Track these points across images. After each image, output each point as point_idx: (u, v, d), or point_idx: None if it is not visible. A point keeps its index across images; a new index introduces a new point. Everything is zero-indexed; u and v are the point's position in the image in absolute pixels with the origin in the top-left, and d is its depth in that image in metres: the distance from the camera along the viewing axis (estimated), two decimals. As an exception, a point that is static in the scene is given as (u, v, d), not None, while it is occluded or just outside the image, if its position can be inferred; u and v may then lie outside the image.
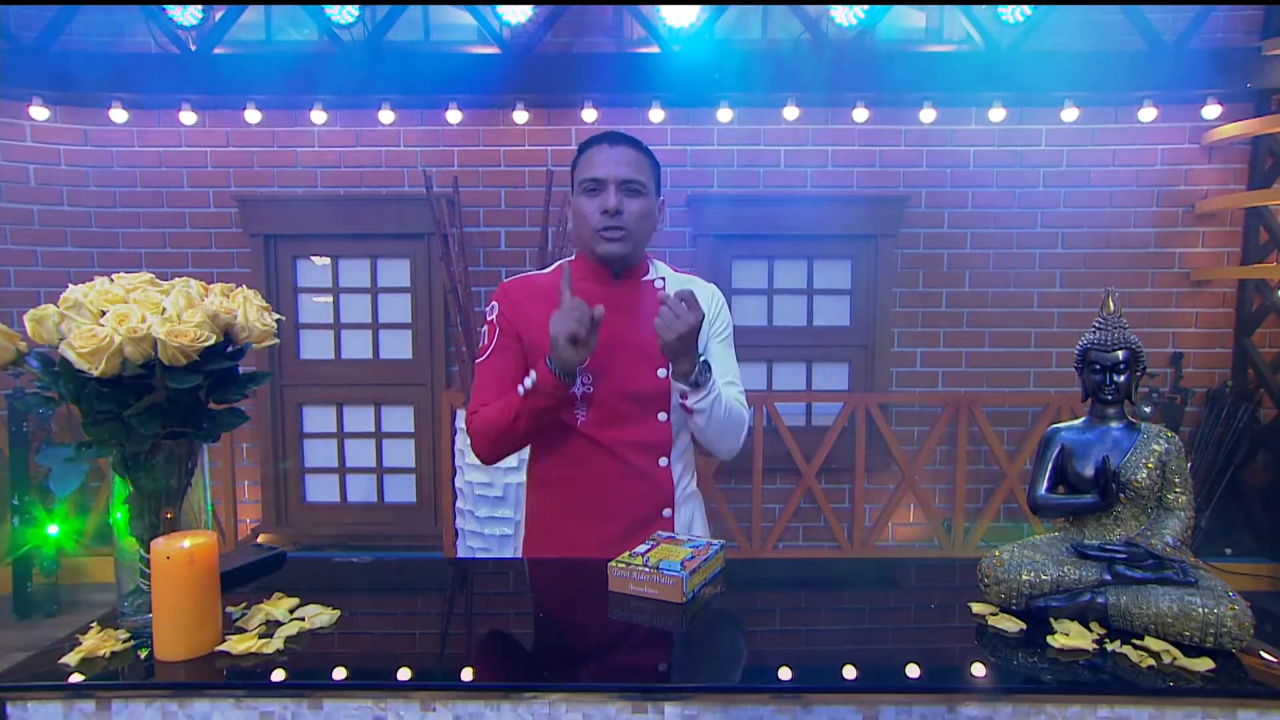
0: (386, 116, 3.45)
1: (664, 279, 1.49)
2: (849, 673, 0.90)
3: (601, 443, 1.39)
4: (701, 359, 1.34)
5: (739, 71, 3.31)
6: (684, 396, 1.34)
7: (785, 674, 0.89)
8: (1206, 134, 3.50)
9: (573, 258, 1.49)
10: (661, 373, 1.40)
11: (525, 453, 1.51)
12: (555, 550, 1.43)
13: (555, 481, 1.45)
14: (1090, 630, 1.00)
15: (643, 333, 1.38)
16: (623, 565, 1.12)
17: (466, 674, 0.89)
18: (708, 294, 1.50)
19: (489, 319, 1.46)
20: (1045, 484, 1.15)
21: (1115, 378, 1.11)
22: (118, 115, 3.41)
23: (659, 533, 1.29)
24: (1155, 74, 3.30)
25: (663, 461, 1.43)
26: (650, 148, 1.45)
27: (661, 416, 1.42)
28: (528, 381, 1.31)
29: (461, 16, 3.54)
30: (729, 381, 1.45)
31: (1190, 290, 3.62)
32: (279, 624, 1.03)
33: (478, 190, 3.62)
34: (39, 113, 3.38)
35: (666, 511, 1.43)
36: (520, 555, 1.51)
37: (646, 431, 1.41)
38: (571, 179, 1.45)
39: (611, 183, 1.36)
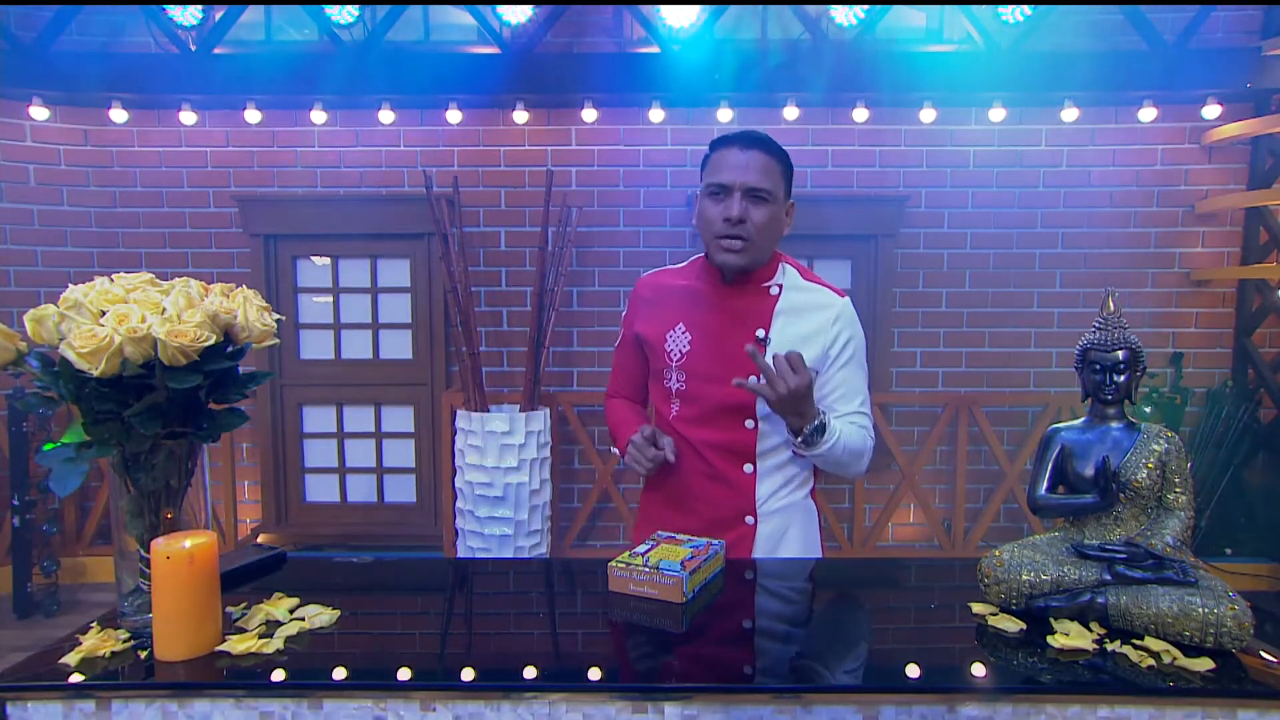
0: (386, 116, 3.45)
1: (782, 285, 1.42)
2: (849, 673, 0.90)
3: (689, 438, 1.41)
4: (817, 421, 1.28)
5: (739, 71, 3.31)
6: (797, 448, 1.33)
7: (785, 674, 0.89)
8: (1206, 134, 3.50)
9: (704, 253, 1.47)
10: (753, 381, 1.31)
11: (532, 453, 1.55)
12: (650, 530, 1.42)
13: (659, 471, 1.46)
14: (1090, 630, 1.00)
15: (743, 339, 1.35)
16: (623, 565, 1.12)
17: (466, 674, 0.89)
18: (829, 313, 1.40)
19: (624, 314, 1.57)
20: (1045, 484, 1.15)
21: (1115, 378, 1.11)
22: (118, 115, 3.41)
23: (659, 533, 1.29)
24: (1155, 74, 3.30)
25: (748, 468, 1.39)
26: (784, 148, 1.39)
27: (749, 424, 1.38)
28: (614, 450, 1.52)
29: (461, 16, 3.54)
30: (852, 413, 1.39)
31: (1190, 290, 3.62)
32: (279, 624, 1.03)
33: (478, 190, 3.62)
34: (39, 113, 3.38)
35: (749, 519, 1.40)
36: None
37: (731, 436, 1.39)
38: (700, 175, 1.42)
39: (737, 189, 1.33)
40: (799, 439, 1.30)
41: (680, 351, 1.41)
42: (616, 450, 1.49)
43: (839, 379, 1.41)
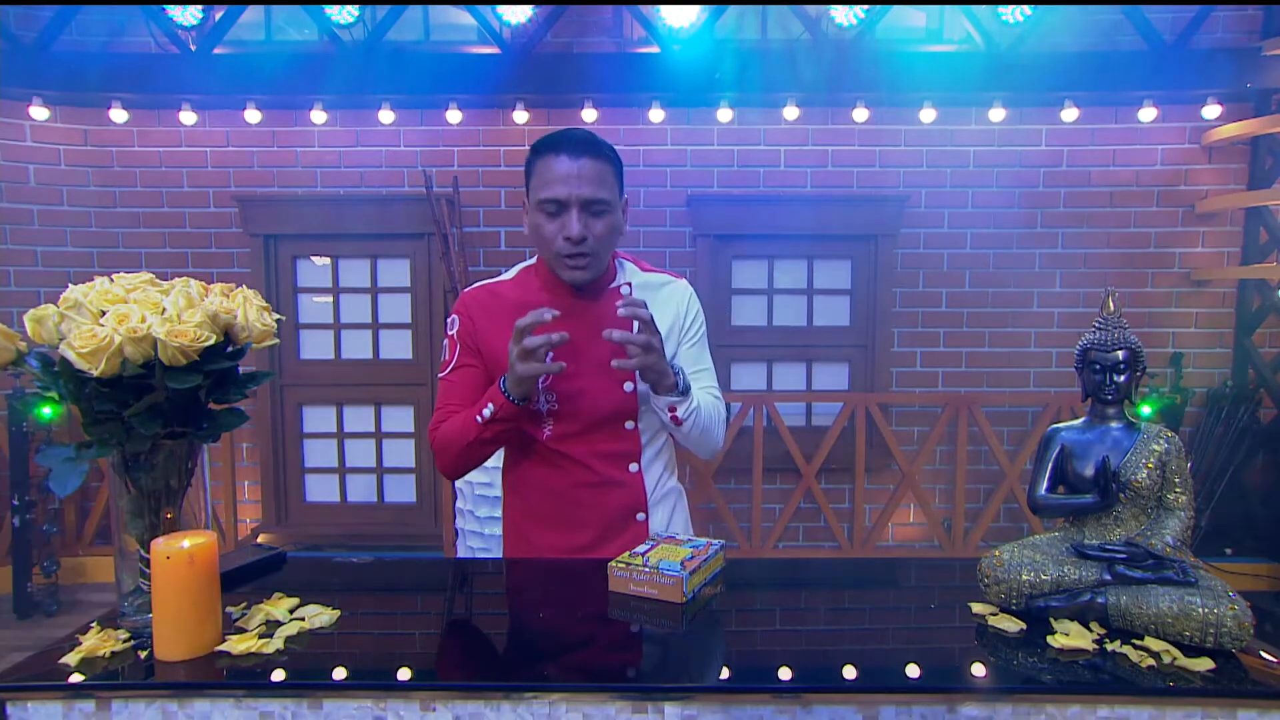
0: (386, 116, 3.45)
1: (630, 283, 1.41)
2: (849, 673, 0.90)
3: (569, 454, 1.36)
4: (680, 376, 1.30)
5: (739, 71, 3.31)
6: (672, 409, 1.31)
7: (785, 674, 0.89)
8: (1206, 134, 3.50)
9: (534, 261, 1.42)
10: (629, 386, 1.35)
11: None
12: (529, 555, 1.41)
13: (525, 488, 1.42)
14: (1090, 630, 1.00)
15: (608, 346, 1.27)
16: (623, 565, 1.12)
17: (467, 674, 0.89)
18: (676, 294, 1.43)
19: (449, 333, 1.39)
20: (1045, 484, 1.15)
21: (1115, 378, 1.11)
22: (118, 115, 3.41)
23: (659, 533, 1.29)
24: (1155, 74, 3.30)
25: (633, 467, 1.39)
26: (613, 145, 1.33)
27: (629, 425, 1.37)
28: (486, 412, 1.26)
29: (461, 16, 3.54)
30: (704, 386, 1.40)
31: (1190, 290, 3.62)
32: (279, 624, 1.03)
33: (478, 190, 3.62)
34: (39, 113, 3.38)
35: (640, 515, 1.40)
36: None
37: (615, 441, 1.37)
38: (526, 184, 1.33)
39: (574, 204, 1.25)
40: (674, 396, 1.29)
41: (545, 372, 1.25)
42: (491, 407, 1.26)
43: (691, 356, 1.42)
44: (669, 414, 1.31)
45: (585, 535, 1.36)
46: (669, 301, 1.41)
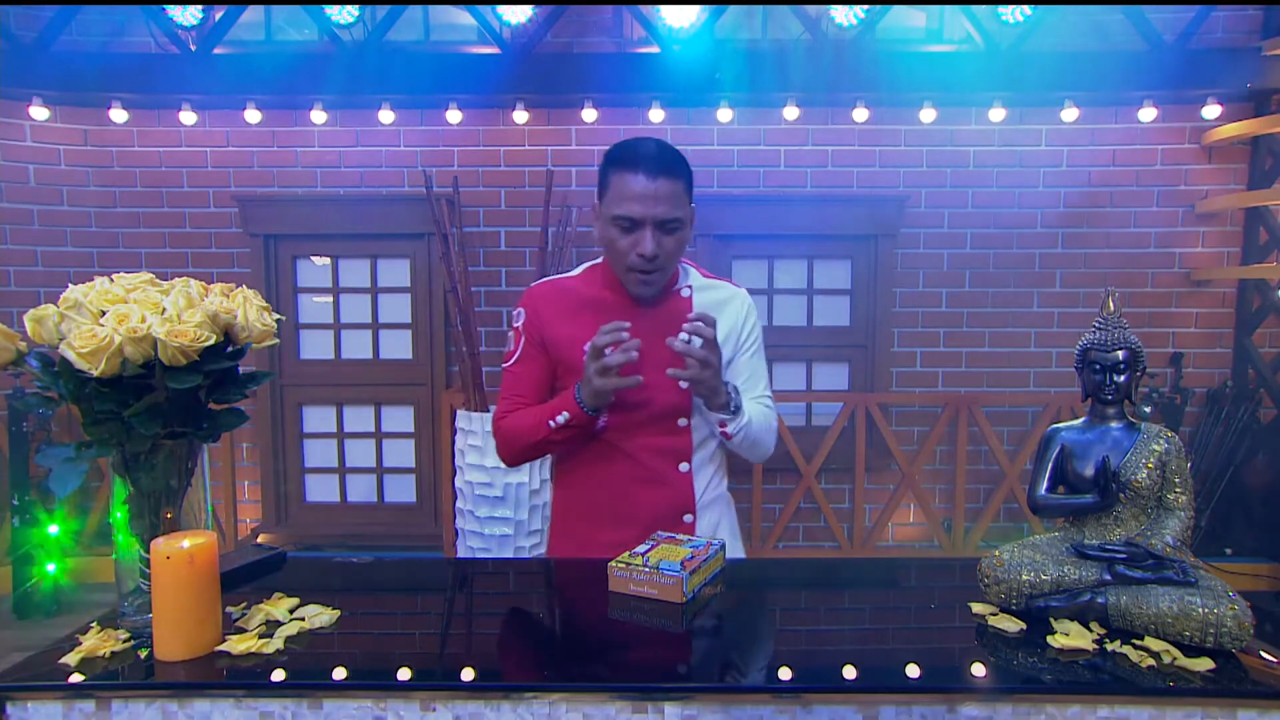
0: (386, 116, 3.45)
1: (690, 287, 1.45)
2: (849, 673, 0.90)
3: (621, 447, 1.39)
4: (729, 385, 1.33)
5: (739, 71, 3.31)
6: (723, 425, 1.35)
7: (785, 674, 0.89)
8: (1206, 134, 3.50)
9: (599, 261, 1.46)
10: (684, 383, 1.37)
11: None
12: (575, 551, 1.42)
13: (576, 483, 1.45)
14: (1090, 630, 1.00)
15: (666, 344, 1.34)
16: (623, 565, 1.12)
17: (466, 674, 0.90)
18: (736, 304, 1.46)
19: (515, 325, 1.44)
20: (1045, 484, 1.15)
21: (1115, 378, 1.11)
22: (118, 115, 3.41)
23: (659, 533, 1.29)
24: (1155, 74, 3.30)
25: (683, 467, 1.41)
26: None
27: (681, 422, 1.40)
28: (560, 419, 1.32)
29: (461, 16, 3.54)
30: (759, 395, 1.43)
31: (1190, 290, 3.62)
32: (279, 624, 1.03)
33: (478, 190, 3.62)
34: (39, 113, 3.38)
35: (687, 517, 1.42)
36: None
37: (666, 438, 1.40)
38: (599, 191, 1.37)
39: (649, 224, 1.29)
40: (726, 413, 1.33)
41: None
42: (566, 415, 1.32)
43: (747, 366, 1.45)
44: (719, 427, 1.36)
45: (631, 532, 1.36)
46: (727, 309, 1.44)
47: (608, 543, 1.37)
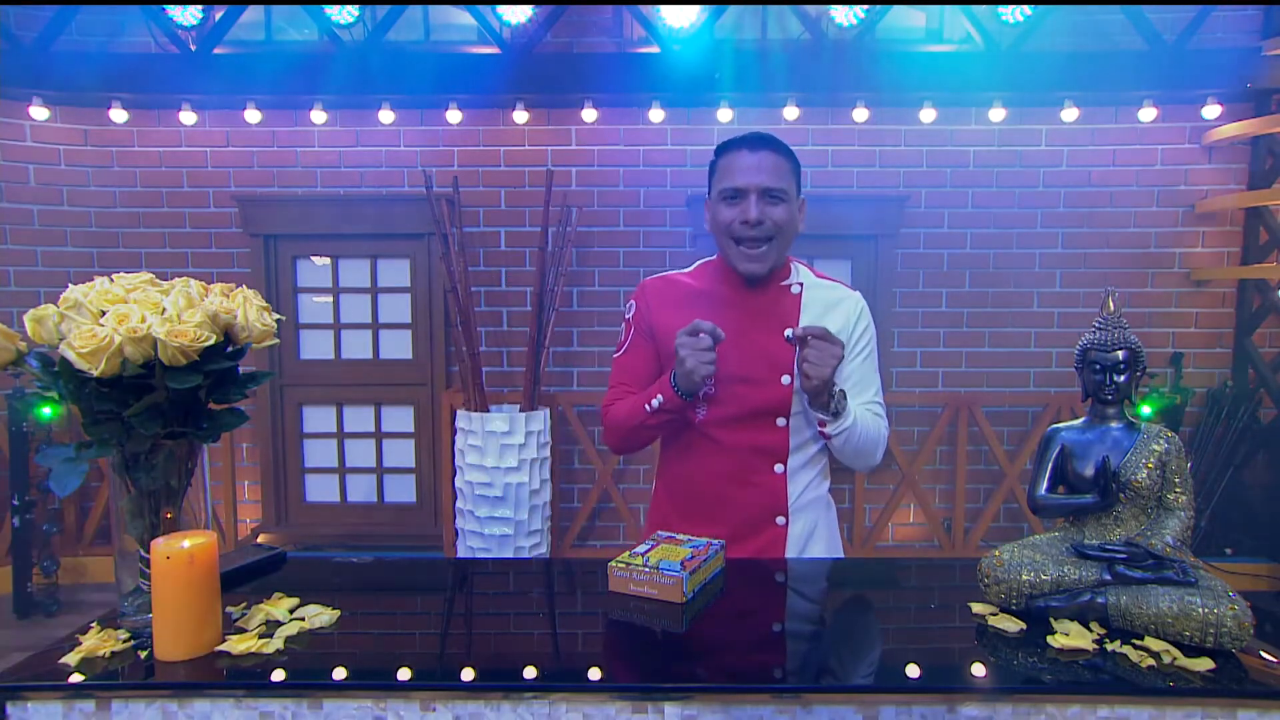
0: (386, 116, 3.45)
1: (801, 284, 1.44)
2: (849, 673, 0.90)
3: (718, 441, 1.39)
4: (838, 389, 1.32)
5: (739, 71, 3.31)
6: (822, 424, 1.34)
7: (785, 674, 0.89)
8: (1206, 134, 3.50)
9: (713, 258, 1.47)
10: (786, 380, 1.37)
11: (532, 453, 1.51)
12: None
13: (673, 478, 1.46)
14: (1090, 630, 1.00)
15: (771, 338, 1.36)
16: (623, 565, 1.12)
17: (466, 674, 0.89)
18: (848, 306, 1.44)
19: (626, 317, 1.49)
20: (1045, 484, 1.15)
21: (1115, 378, 1.11)
22: (118, 115, 3.41)
23: (659, 532, 1.29)
24: (1155, 74, 3.30)
25: (778, 468, 1.40)
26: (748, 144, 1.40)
27: (780, 422, 1.39)
28: (655, 402, 1.35)
29: (461, 16, 3.54)
30: (868, 401, 1.41)
31: (1190, 290, 3.62)
32: (279, 624, 1.03)
33: (478, 190, 3.62)
34: (39, 113, 3.38)
35: (780, 519, 1.41)
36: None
37: (763, 436, 1.39)
38: (709, 182, 1.42)
39: (753, 191, 1.33)
40: (828, 414, 1.32)
41: None
42: (661, 398, 1.34)
43: (857, 371, 1.43)
44: (819, 427, 1.36)
45: (721, 530, 1.37)
46: (838, 311, 1.43)
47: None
